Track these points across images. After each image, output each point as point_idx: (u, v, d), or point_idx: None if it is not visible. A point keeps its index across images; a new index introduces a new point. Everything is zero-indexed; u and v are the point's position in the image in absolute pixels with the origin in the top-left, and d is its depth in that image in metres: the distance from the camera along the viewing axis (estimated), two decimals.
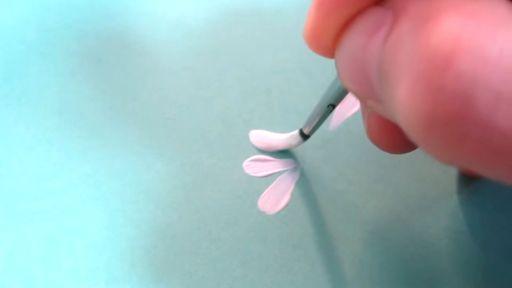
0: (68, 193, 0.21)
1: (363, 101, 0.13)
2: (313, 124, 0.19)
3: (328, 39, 0.13)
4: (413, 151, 0.21)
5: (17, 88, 0.23)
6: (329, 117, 0.22)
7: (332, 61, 0.24)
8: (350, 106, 0.23)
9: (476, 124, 0.09)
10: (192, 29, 0.25)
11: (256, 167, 0.21)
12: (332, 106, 0.17)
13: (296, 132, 0.20)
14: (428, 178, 0.21)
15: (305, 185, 0.21)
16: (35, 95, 0.23)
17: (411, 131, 0.10)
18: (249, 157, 0.22)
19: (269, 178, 0.21)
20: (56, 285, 0.19)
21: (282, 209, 0.20)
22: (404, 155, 0.21)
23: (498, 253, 0.19)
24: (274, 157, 0.22)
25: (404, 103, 0.10)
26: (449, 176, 0.21)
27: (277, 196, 0.21)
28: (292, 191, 0.21)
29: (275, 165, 0.21)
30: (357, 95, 0.13)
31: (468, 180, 0.21)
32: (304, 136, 0.20)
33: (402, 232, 0.20)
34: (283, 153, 0.22)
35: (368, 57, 0.11)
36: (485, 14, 0.09)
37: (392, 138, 0.15)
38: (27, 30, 0.25)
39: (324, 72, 0.23)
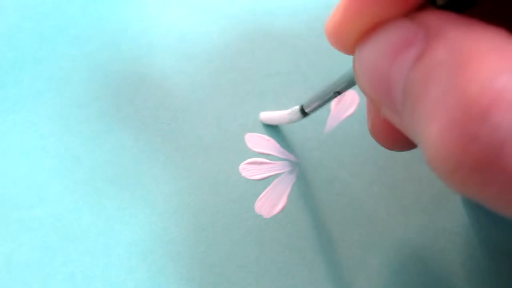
0: (63, 200, 0.20)
1: (376, 106, 0.13)
2: (315, 105, 0.19)
3: (350, 39, 0.13)
4: (409, 153, 0.22)
5: (11, 94, 0.23)
6: (325, 119, 0.22)
7: (327, 64, 0.24)
8: (345, 108, 0.23)
9: (503, 174, 0.09)
10: (186, 33, 0.25)
11: (253, 170, 0.21)
12: (338, 93, 0.17)
13: (297, 107, 0.20)
14: (424, 179, 0.21)
15: (301, 187, 0.21)
16: (29, 101, 0.23)
17: (437, 168, 0.11)
18: (245, 160, 0.21)
19: (266, 181, 0.21)
20: None
21: (279, 212, 0.20)
22: (400, 157, 0.21)
23: (494, 253, 0.19)
24: (270, 159, 0.22)
25: (434, 142, 0.10)
26: None
27: (274, 199, 0.21)
28: (288, 194, 0.21)
29: (271, 168, 0.21)
30: (372, 99, 0.13)
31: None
32: (304, 113, 0.20)
33: (399, 233, 0.20)
34: (279, 156, 0.22)
35: (393, 73, 0.12)
36: None
37: (394, 136, 0.15)
38: (20, 36, 0.24)
39: (319, 75, 0.23)
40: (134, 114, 0.22)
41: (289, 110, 0.21)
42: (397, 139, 0.15)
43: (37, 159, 0.21)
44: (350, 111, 0.23)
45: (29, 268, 0.19)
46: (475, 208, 0.20)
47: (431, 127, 0.10)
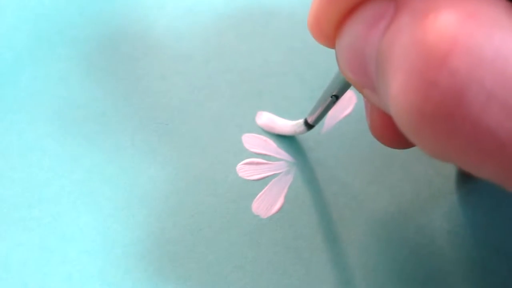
0: (61, 200, 0.21)
1: (360, 90, 0.13)
2: (317, 115, 0.19)
3: (330, 28, 0.13)
4: (406, 152, 0.22)
5: (8, 95, 0.23)
6: (322, 119, 0.22)
7: (324, 64, 0.24)
8: (342, 108, 0.23)
9: (466, 122, 0.09)
10: (183, 34, 0.25)
11: (250, 170, 0.21)
12: (336, 97, 0.17)
13: (301, 121, 0.20)
14: (422, 179, 0.21)
15: (298, 188, 0.21)
16: (27, 102, 0.23)
17: (402, 123, 0.10)
18: (242, 160, 0.22)
19: (263, 181, 0.21)
20: None
21: (276, 212, 0.20)
22: (397, 157, 0.22)
23: (492, 253, 0.19)
24: (267, 160, 0.22)
25: (397, 96, 0.10)
26: (443, 176, 0.21)
27: (271, 199, 0.21)
28: (285, 194, 0.21)
29: (268, 168, 0.21)
30: (355, 84, 0.13)
31: (466, 180, 0.21)
32: (308, 126, 0.20)
33: (396, 233, 0.20)
34: (276, 156, 0.22)
35: (367, 48, 0.12)
36: (483, 14, 0.09)
37: (394, 133, 0.15)
38: (18, 36, 0.24)
39: (316, 75, 0.23)
40: (131, 115, 0.22)
41: (294, 122, 0.21)
42: (397, 136, 0.15)
43: (35, 159, 0.21)
44: (347, 111, 0.23)
45: (26, 268, 0.19)
46: (473, 208, 0.20)
47: (394, 82, 0.10)
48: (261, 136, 0.22)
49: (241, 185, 0.21)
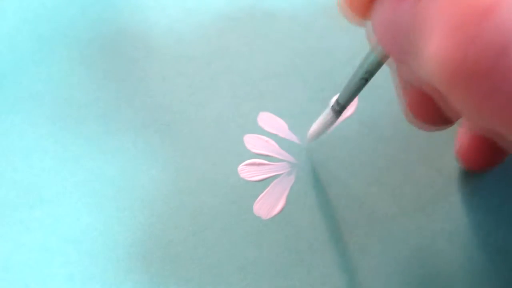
0: (62, 201, 0.21)
1: (393, 64, 0.13)
2: (347, 98, 0.18)
3: (361, 4, 0.13)
4: (407, 153, 0.22)
5: (10, 96, 0.23)
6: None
7: (326, 65, 0.24)
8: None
9: (507, 77, 0.09)
10: (184, 35, 0.25)
11: (251, 171, 0.21)
12: (365, 79, 0.17)
13: (328, 109, 0.20)
14: (423, 180, 0.21)
15: (300, 189, 0.21)
16: (28, 103, 0.23)
17: (441, 81, 0.10)
18: (244, 161, 0.22)
19: (264, 182, 0.21)
20: None
21: (278, 213, 0.20)
22: (399, 158, 0.21)
23: (493, 254, 0.19)
24: (269, 161, 0.22)
25: (435, 54, 0.10)
26: (444, 178, 0.21)
27: (273, 200, 0.21)
28: (287, 195, 0.21)
29: (270, 169, 0.21)
30: (393, 57, 0.13)
31: (468, 180, 0.21)
32: (337, 112, 0.19)
33: (397, 234, 0.20)
34: (278, 157, 0.22)
35: (401, 18, 0.12)
36: None
37: (430, 110, 0.15)
38: (19, 38, 0.25)
39: (317, 76, 0.23)
40: (132, 116, 0.22)
41: (322, 115, 0.20)
42: (433, 113, 0.15)
43: (36, 160, 0.21)
44: (349, 112, 0.23)
45: (28, 269, 0.19)
46: (474, 209, 0.20)
47: (432, 42, 0.10)
48: (263, 137, 0.22)
49: (243, 186, 0.21)
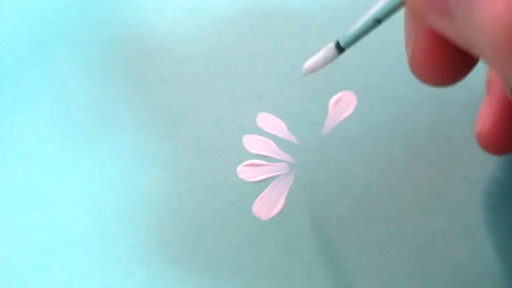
0: (61, 203, 0.21)
1: (424, 17, 0.13)
2: (353, 37, 0.17)
3: None
4: (406, 153, 0.22)
5: (9, 98, 0.23)
6: (322, 121, 0.22)
7: (325, 67, 0.24)
8: (343, 110, 0.23)
9: None
10: (183, 36, 0.25)
11: (250, 172, 0.21)
12: (379, 21, 0.16)
13: (332, 44, 0.19)
14: (422, 180, 0.21)
15: (299, 189, 0.21)
16: (28, 105, 0.23)
17: (498, 47, 0.10)
18: (242, 162, 0.21)
19: (263, 183, 0.21)
20: None
21: (277, 214, 0.20)
22: (398, 158, 0.21)
23: (492, 254, 0.19)
24: (268, 161, 0.22)
25: (492, 19, 0.10)
26: (443, 178, 0.21)
27: (272, 201, 0.21)
28: (286, 196, 0.21)
29: (269, 170, 0.21)
30: (424, 9, 0.13)
31: (469, 180, 0.21)
32: (340, 49, 0.18)
33: (396, 235, 0.20)
34: (277, 158, 0.22)
35: None
36: None
37: (437, 63, 0.15)
38: (19, 40, 0.25)
39: (316, 77, 0.23)
40: (131, 117, 0.23)
41: (324, 49, 0.20)
42: (440, 66, 0.15)
43: (35, 162, 0.21)
44: (348, 112, 0.23)
45: (27, 271, 0.19)
46: (474, 209, 0.20)
47: (485, 8, 0.10)
48: (262, 138, 0.22)
49: (242, 187, 0.21)
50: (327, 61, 0.20)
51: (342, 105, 0.23)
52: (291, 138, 0.22)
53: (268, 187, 0.21)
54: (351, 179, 0.21)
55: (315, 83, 0.23)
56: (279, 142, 0.22)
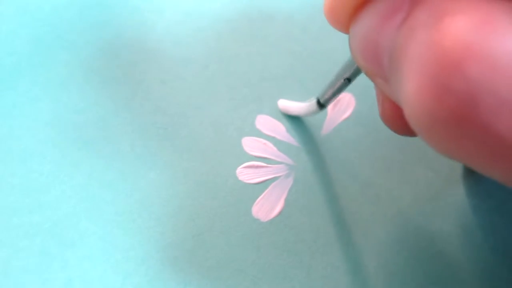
0: (61, 205, 0.21)
1: (371, 78, 0.13)
2: (328, 96, 0.19)
3: (345, 15, 0.13)
4: (405, 155, 0.22)
5: (7, 100, 0.23)
6: (321, 122, 0.22)
7: (323, 68, 0.24)
8: (341, 111, 0.23)
9: (477, 126, 0.10)
10: (182, 38, 0.25)
11: (250, 173, 0.21)
12: (348, 80, 0.17)
13: (314, 100, 0.20)
14: (421, 181, 0.21)
15: (298, 191, 0.21)
16: (26, 107, 0.23)
17: (413, 123, 0.11)
18: (242, 164, 0.22)
19: (263, 184, 0.21)
20: None
21: (276, 215, 0.20)
22: (397, 159, 0.22)
23: (492, 255, 0.19)
24: (267, 163, 0.22)
25: (410, 97, 0.10)
26: (442, 179, 0.21)
27: (271, 202, 0.21)
28: (285, 198, 0.21)
29: (268, 172, 0.21)
30: (366, 72, 0.13)
31: (470, 179, 0.21)
32: (320, 105, 0.20)
33: (396, 236, 0.20)
34: (276, 159, 0.22)
35: (381, 39, 0.12)
36: (498, 20, 0.09)
37: (405, 122, 0.15)
38: (17, 42, 0.25)
39: (315, 79, 0.24)
40: (131, 119, 0.23)
41: (307, 103, 0.21)
42: (407, 125, 0.15)
43: (34, 164, 0.21)
44: (347, 114, 0.23)
45: (27, 274, 0.19)
46: (473, 209, 0.20)
47: (409, 83, 0.10)
48: (261, 139, 0.22)
49: (241, 189, 0.21)
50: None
51: (341, 107, 0.23)
52: (290, 140, 0.22)
53: (268, 189, 0.21)
54: (350, 180, 0.21)
55: (313, 85, 0.23)
56: (278, 144, 0.22)
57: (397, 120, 0.16)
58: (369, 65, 0.13)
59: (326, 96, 0.19)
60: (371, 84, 0.16)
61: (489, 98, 0.09)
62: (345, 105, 0.23)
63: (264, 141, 0.22)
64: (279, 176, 0.21)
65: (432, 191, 0.21)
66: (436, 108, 0.10)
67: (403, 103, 0.11)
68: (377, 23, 0.12)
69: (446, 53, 0.10)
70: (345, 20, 0.13)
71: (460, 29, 0.09)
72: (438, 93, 0.10)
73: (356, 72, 0.17)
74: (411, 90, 0.10)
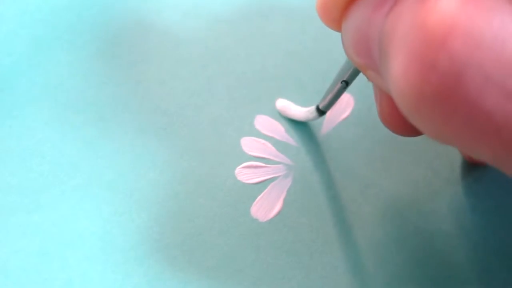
0: (60, 206, 0.21)
1: (364, 72, 0.14)
2: (328, 101, 0.19)
3: (336, 11, 0.13)
4: (404, 155, 0.22)
5: (7, 100, 0.23)
6: (320, 122, 0.22)
7: (322, 67, 0.24)
8: (340, 111, 0.23)
9: (463, 103, 0.10)
10: (180, 38, 0.25)
11: (248, 174, 0.21)
12: (346, 82, 0.17)
13: (313, 107, 0.20)
14: (420, 181, 0.21)
15: (297, 191, 0.21)
16: (25, 107, 0.23)
17: (402, 104, 0.11)
18: (241, 164, 0.22)
19: (262, 184, 0.21)
20: None
21: (275, 216, 0.20)
22: (395, 159, 0.22)
23: (491, 255, 0.19)
24: (266, 163, 0.22)
25: (397, 77, 0.10)
26: (440, 178, 0.21)
27: (270, 203, 0.21)
28: (284, 198, 0.21)
29: (267, 172, 0.21)
30: (359, 66, 0.14)
31: (467, 180, 0.21)
32: (320, 112, 0.20)
33: (395, 236, 0.20)
34: (275, 159, 0.22)
35: (371, 30, 0.12)
36: None
37: (403, 120, 0.15)
38: (16, 42, 0.25)
39: (314, 79, 0.24)
40: (130, 119, 0.23)
41: (307, 109, 0.21)
42: (405, 123, 0.15)
43: (34, 164, 0.21)
44: (345, 114, 0.23)
45: (26, 274, 0.19)
46: (472, 210, 0.20)
47: (395, 64, 0.11)
48: (260, 140, 0.22)
49: (240, 189, 0.21)
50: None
51: (340, 107, 0.23)
52: (289, 140, 0.22)
53: (267, 189, 0.21)
54: (349, 180, 0.21)
55: (312, 85, 0.23)
56: (277, 144, 0.22)
57: (395, 119, 0.16)
58: (361, 58, 0.13)
59: (326, 102, 0.19)
60: (370, 84, 0.16)
61: (474, 74, 0.09)
62: (344, 105, 0.23)
63: (263, 141, 0.22)
64: (278, 176, 0.21)
65: (431, 191, 0.21)
66: (422, 86, 0.10)
67: (391, 87, 0.11)
68: (367, 15, 0.12)
69: (431, 31, 0.10)
70: (337, 16, 0.13)
71: (445, 6, 0.10)
72: (424, 70, 0.10)
73: (353, 74, 0.17)
74: (398, 70, 0.10)
